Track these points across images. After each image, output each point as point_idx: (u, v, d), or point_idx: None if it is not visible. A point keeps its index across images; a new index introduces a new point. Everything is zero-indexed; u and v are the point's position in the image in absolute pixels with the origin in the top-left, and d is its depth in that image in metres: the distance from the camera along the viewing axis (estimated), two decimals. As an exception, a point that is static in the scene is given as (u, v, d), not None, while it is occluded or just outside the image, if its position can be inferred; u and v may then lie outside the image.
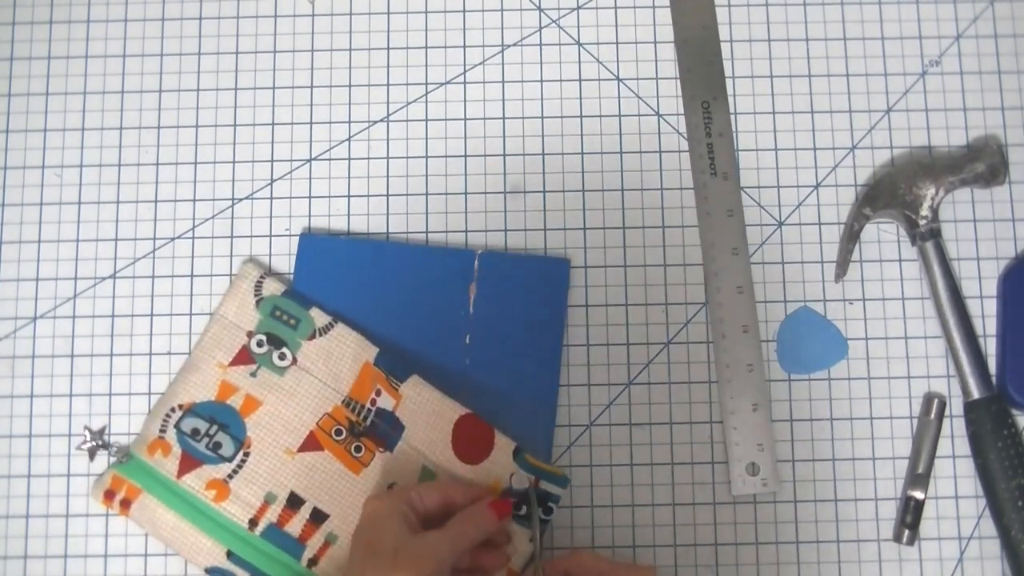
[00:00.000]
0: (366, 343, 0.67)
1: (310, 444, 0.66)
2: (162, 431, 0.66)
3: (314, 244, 0.70)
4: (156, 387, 0.69)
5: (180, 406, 0.66)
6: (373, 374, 0.66)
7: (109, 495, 0.65)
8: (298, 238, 0.70)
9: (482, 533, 0.60)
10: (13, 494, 0.68)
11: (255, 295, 0.68)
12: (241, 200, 0.71)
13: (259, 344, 0.67)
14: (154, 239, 0.71)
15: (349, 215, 0.71)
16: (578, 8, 0.74)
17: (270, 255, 0.70)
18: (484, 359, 0.68)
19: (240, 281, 0.68)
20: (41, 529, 0.67)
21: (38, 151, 0.72)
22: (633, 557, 0.67)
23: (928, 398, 0.68)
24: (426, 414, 0.66)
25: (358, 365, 0.67)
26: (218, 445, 0.66)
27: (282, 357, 0.67)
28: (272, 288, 0.68)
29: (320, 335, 0.67)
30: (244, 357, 0.67)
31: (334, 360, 0.67)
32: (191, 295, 0.70)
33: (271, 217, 0.71)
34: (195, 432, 0.66)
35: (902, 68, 0.73)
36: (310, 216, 0.71)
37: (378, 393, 0.66)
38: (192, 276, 0.70)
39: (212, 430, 0.66)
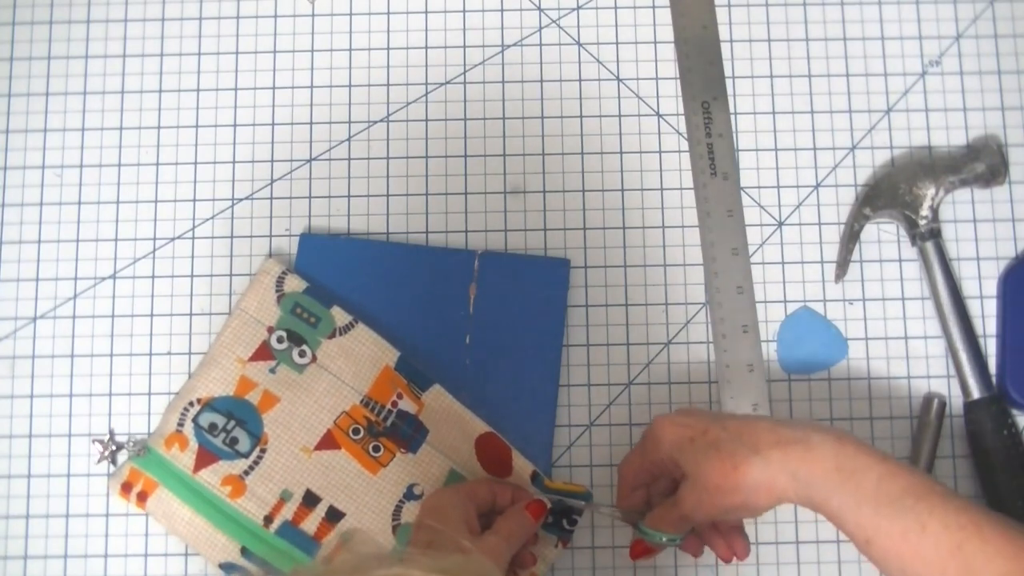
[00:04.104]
0: (386, 345, 0.67)
1: (327, 443, 0.66)
2: (180, 425, 0.66)
3: (314, 244, 0.70)
4: (156, 387, 0.69)
5: (198, 400, 0.66)
6: (394, 378, 0.66)
7: (126, 488, 0.65)
8: (298, 238, 0.70)
9: (527, 534, 0.61)
10: (13, 494, 0.68)
11: (276, 291, 0.68)
12: (241, 200, 0.71)
13: (279, 340, 0.67)
14: (154, 239, 0.71)
15: (349, 215, 0.71)
16: (578, 8, 0.74)
17: (270, 255, 0.70)
18: (484, 359, 0.68)
19: (262, 276, 0.68)
20: (41, 529, 0.67)
21: (38, 151, 0.72)
22: (633, 557, 0.67)
23: (928, 398, 0.68)
24: (448, 424, 0.66)
25: (378, 367, 0.67)
26: (235, 441, 0.66)
27: (302, 355, 0.67)
28: (294, 285, 0.68)
29: (340, 334, 0.67)
30: (264, 353, 0.67)
31: (353, 360, 0.67)
32: (191, 295, 0.70)
33: (271, 217, 0.71)
34: (212, 427, 0.66)
35: (902, 68, 0.73)
36: (310, 216, 0.71)
37: (399, 396, 0.66)
38: (192, 276, 0.70)
39: (229, 425, 0.66)
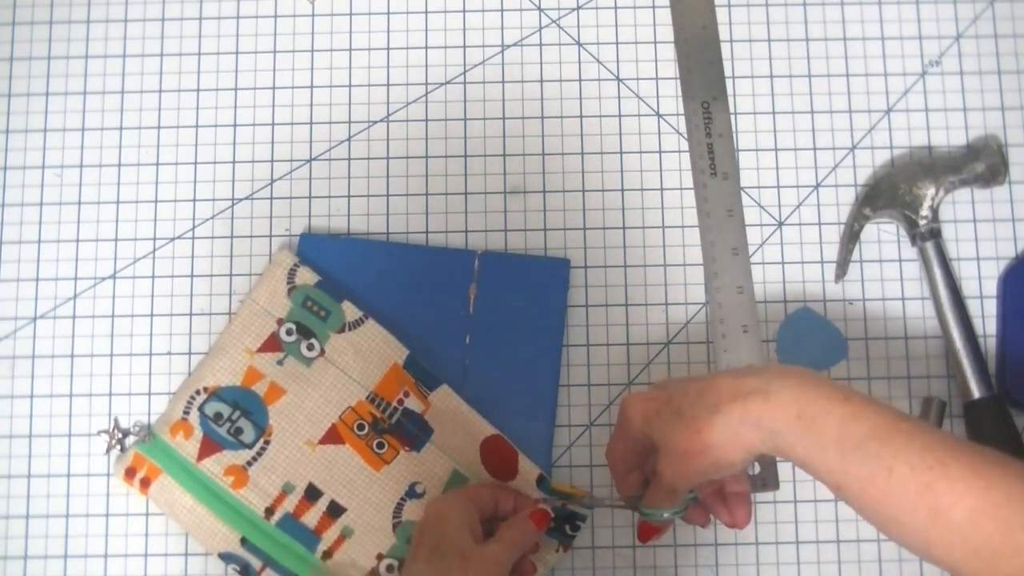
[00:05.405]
0: (396, 343, 0.67)
1: (331, 437, 0.66)
2: (185, 413, 0.66)
3: (314, 244, 0.70)
4: (156, 387, 0.69)
5: (205, 389, 0.66)
6: (402, 376, 0.67)
7: (130, 473, 0.66)
8: (298, 238, 0.70)
9: (530, 542, 0.62)
10: (13, 494, 0.68)
11: (288, 283, 0.68)
12: (241, 200, 0.71)
13: (288, 333, 0.67)
14: (154, 239, 0.71)
15: (349, 215, 0.71)
16: (578, 8, 0.74)
17: (270, 255, 0.70)
18: (484, 359, 0.68)
19: (274, 268, 0.68)
20: (41, 529, 0.67)
21: (38, 151, 0.72)
22: (633, 557, 0.67)
23: (928, 399, 0.68)
24: (454, 425, 0.66)
25: (386, 364, 0.67)
26: (239, 431, 0.66)
27: (310, 348, 0.67)
28: (305, 277, 0.68)
29: (349, 329, 0.67)
30: (272, 344, 0.67)
31: (362, 356, 0.67)
32: (191, 295, 0.70)
33: (271, 217, 0.71)
34: (218, 416, 0.66)
35: (902, 68, 0.73)
36: (310, 216, 0.71)
37: (406, 395, 0.66)
38: (192, 276, 0.70)
39: (235, 415, 0.66)
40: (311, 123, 0.72)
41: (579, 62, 0.73)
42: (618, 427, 0.61)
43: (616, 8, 0.73)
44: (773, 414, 0.52)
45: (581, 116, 0.72)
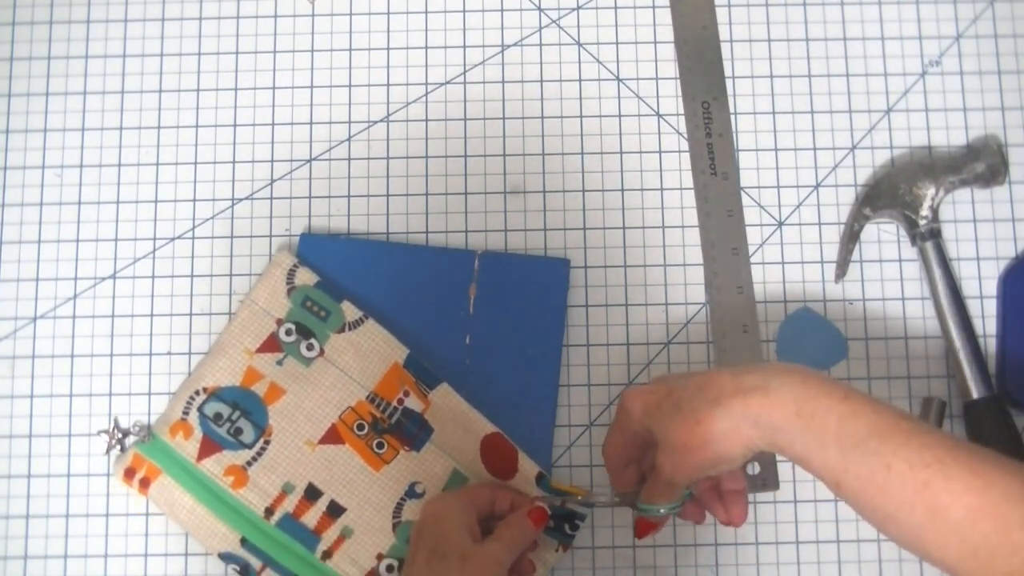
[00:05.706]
0: (396, 342, 0.67)
1: (331, 437, 0.66)
2: (185, 413, 0.66)
3: (314, 244, 0.70)
4: (156, 387, 0.69)
5: (204, 389, 0.66)
6: (402, 375, 0.67)
7: (129, 473, 0.66)
8: (298, 238, 0.70)
9: (528, 541, 0.62)
10: (13, 494, 0.68)
11: (287, 283, 0.68)
12: (241, 200, 0.71)
13: (288, 333, 0.67)
14: (154, 239, 0.71)
15: (349, 215, 0.71)
16: (578, 8, 0.74)
17: (270, 255, 0.70)
18: (484, 359, 0.68)
19: (274, 268, 0.68)
20: (41, 529, 0.67)
21: (38, 151, 0.72)
22: (633, 557, 0.67)
23: (928, 399, 0.68)
24: (454, 424, 0.66)
25: (386, 364, 0.67)
26: (239, 431, 0.66)
27: (310, 348, 0.67)
28: (305, 278, 0.68)
29: (349, 329, 0.67)
30: (272, 345, 0.67)
31: (362, 355, 0.67)
32: (191, 295, 0.70)
33: (271, 217, 0.71)
34: (218, 416, 0.66)
35: (902, 68, 0.73)
36: (310, 216, 0.71)
37: (406, 394, 0.67)
38: (192, 276, 0.70)
39: (234, 416, 0.66)
40: (311, 123, 0.72)
41: (579, 62, 0.73)
42: (617, 420, 0.61)
43: (616, 8, 0.74)
44: (772, 410, 0.52)
45: (581, 116, 0.72)
